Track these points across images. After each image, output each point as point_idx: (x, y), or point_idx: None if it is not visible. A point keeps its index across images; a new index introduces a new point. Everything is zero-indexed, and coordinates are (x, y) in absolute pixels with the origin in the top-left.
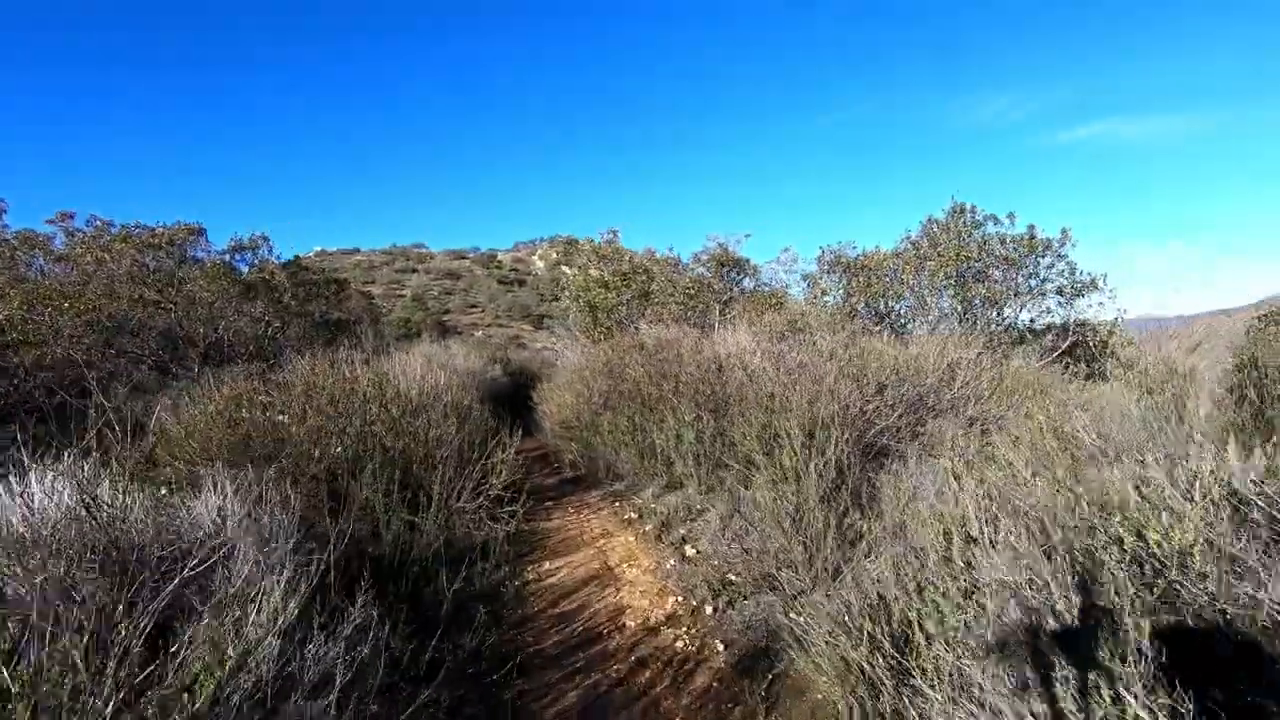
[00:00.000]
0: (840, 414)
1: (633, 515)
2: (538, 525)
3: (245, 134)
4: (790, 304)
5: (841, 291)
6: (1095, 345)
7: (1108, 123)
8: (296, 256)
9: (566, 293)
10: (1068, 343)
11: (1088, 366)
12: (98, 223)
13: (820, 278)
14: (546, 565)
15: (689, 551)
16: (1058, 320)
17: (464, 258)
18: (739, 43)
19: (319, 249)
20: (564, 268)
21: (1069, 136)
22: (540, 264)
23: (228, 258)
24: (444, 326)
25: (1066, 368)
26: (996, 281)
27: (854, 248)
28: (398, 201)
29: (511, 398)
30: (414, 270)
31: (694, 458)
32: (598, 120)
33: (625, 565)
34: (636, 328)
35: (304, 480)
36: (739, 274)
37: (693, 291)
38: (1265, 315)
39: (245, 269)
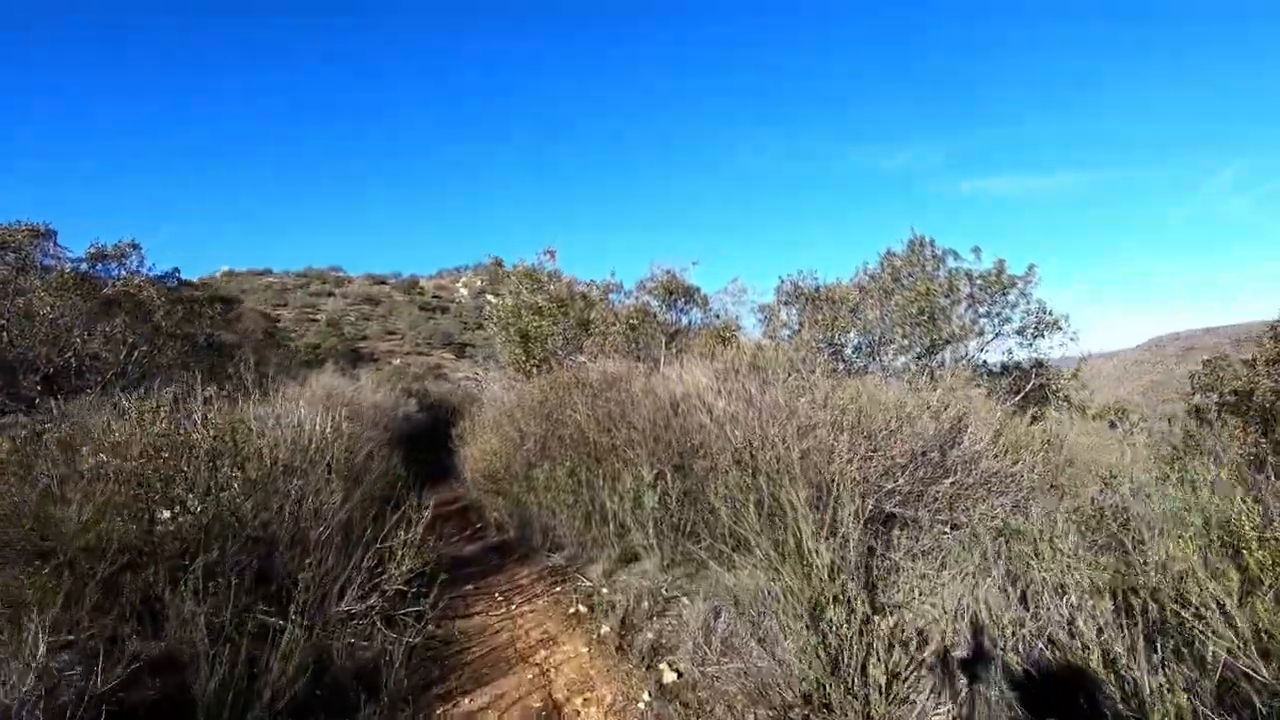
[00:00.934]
0: (849, 475)
1: (581, 607)
2: (454, 625)
3: (144, 139)
4: (742, 338)
5: (796, 325)
6: (1055, 387)
7: (1006, 178)
8: (175, 269)
9: (494, 319)
10: (1030, 385)
11: (1039, 409)
12: None
13: (779, 310)
14: (464, 704)
15: (667, 676)
16: (1017, 360)
17: (384, 283)
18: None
19: (225, 269)
20: (489, 296)
21: (971, 186)
22: (464, 291)
23: (85, 267)
24: (359, 354)
25: (1025, 410)
26: (961, 318)
27: (814, 278)
28: (313, 223)
29: (429, 436)
30: (330, 294)
31: (655, 524)
32: (526, 147)
33: (578, 699)
34: (574, 360)
35: (93, 586)
36: (688, 304)
37: (636, 321)
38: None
39: (111, 281)
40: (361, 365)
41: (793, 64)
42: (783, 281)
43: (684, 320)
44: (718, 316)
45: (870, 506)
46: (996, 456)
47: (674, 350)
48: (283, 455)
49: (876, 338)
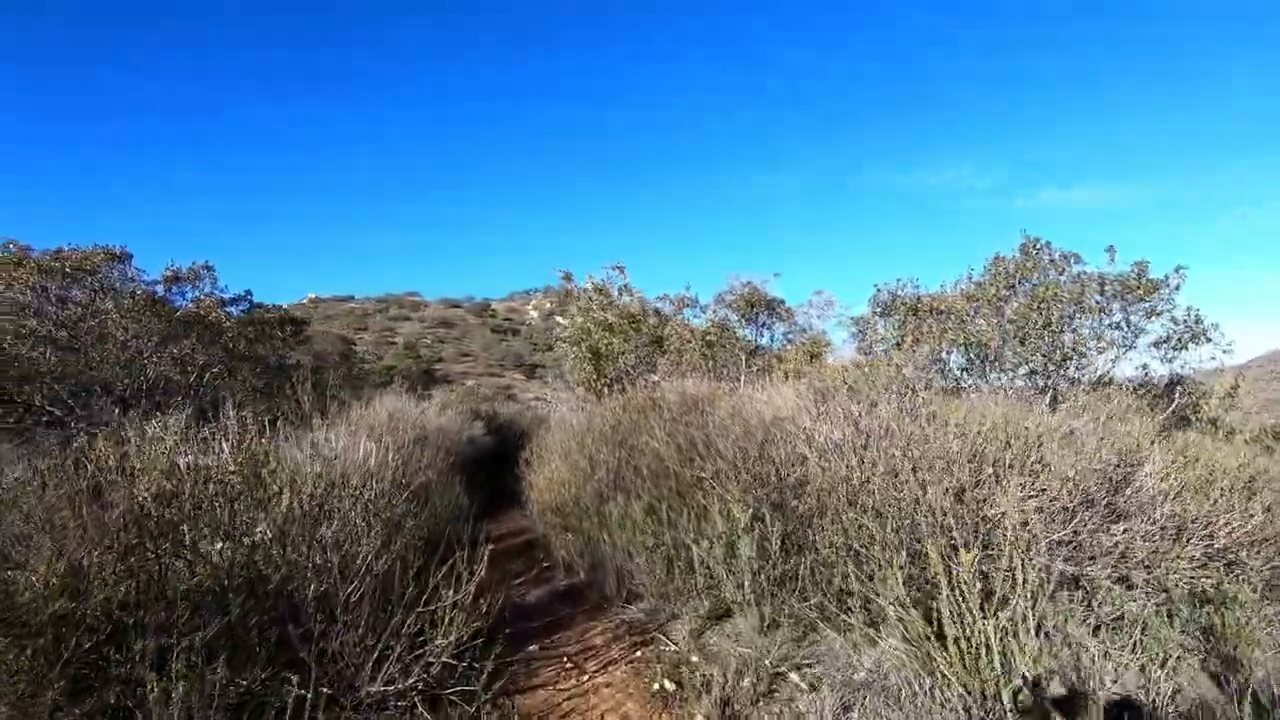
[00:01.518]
0: (1018, 524)
1: (667, 682)
2: (513, 705)
3: (239, 179)
4: (830, 354)
5: (895, 338)
6: (1201, 407)
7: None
8: (247, 292)
9: (564, 336)
10: (1176, 404)
11: (1180, 432)
12: (12, 247)
13: (874, 322)
14: None
15: None
16: (1157, 374)
17: (458, 306)
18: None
19: (312, 295)
20: (558, 318)
21: (1028, 203)
22: (534, 313)
23: (161, 289)
24: (432, 375)
25: (1168, 435)
26: (1094, 329)
27: (915, 285)
28: (393, 250)
29: (496, 460)
30: (407, 318)
31: (752, 575)
32: (590, 172)
33: None
34: (647, 379)
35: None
36: (771, 317)
37: (714, 337)
38: None
39: (185, 304)
40: (436, 386)
41: (827, 79)
42: (879, 290)
43: (764, 336)
44: (803, 331)
45: (1039, 565)
46: (1178, 496)
47: (755, 368)
48: (312, 493)
49: (988, 352)
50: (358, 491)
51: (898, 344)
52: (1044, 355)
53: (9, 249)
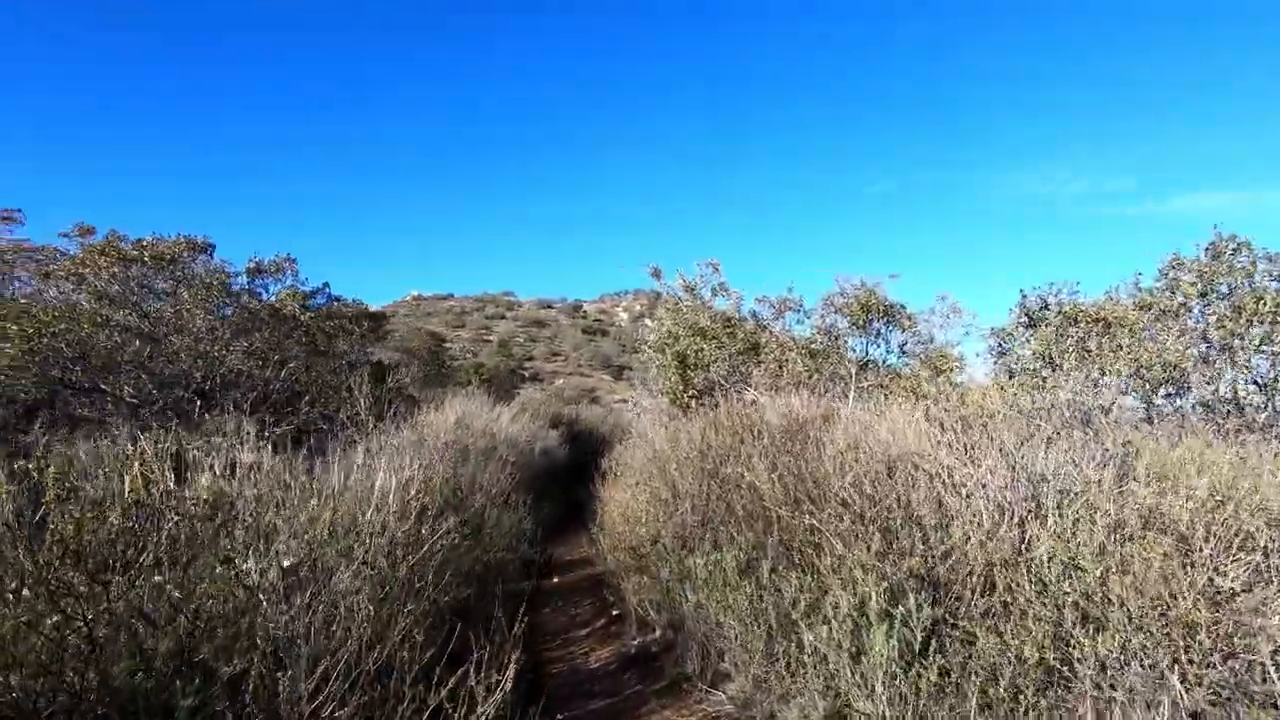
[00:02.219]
0: None
1: None
2: None
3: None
4: (958, 372)
5: (1048, 353)
6: None
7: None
8: (325, 284)
9: (649, 339)
10: None
11: None
12: (83, 235)
13: (1018, 334)
14: None
15: None
16: None
17: (551, 307)
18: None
19: (415, 294)
20: (647, 320)
21: (1159, 208)
22: (624, 315)
23: (245, 281)
24: (520, 374)
25: None
26: None
27: (1073, 291)
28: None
29: (572, 472)
30: (502, 317)
31: (886, 678)
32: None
33: None
34: (740, 392)
35: None
36: (889, 325)
37: (820, 346)
38: None
39: (268, 296)
40: (526, 384)
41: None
42: (1025, 297)
43: (877, 347)
44: (927, 342)
45: None
46: None
47: (866, 385)
48: (291, 548)
49: (1175, 374)
50: (368, 541)
51: (1048, 361)
52: (1259, 381)
53: (86, 237)
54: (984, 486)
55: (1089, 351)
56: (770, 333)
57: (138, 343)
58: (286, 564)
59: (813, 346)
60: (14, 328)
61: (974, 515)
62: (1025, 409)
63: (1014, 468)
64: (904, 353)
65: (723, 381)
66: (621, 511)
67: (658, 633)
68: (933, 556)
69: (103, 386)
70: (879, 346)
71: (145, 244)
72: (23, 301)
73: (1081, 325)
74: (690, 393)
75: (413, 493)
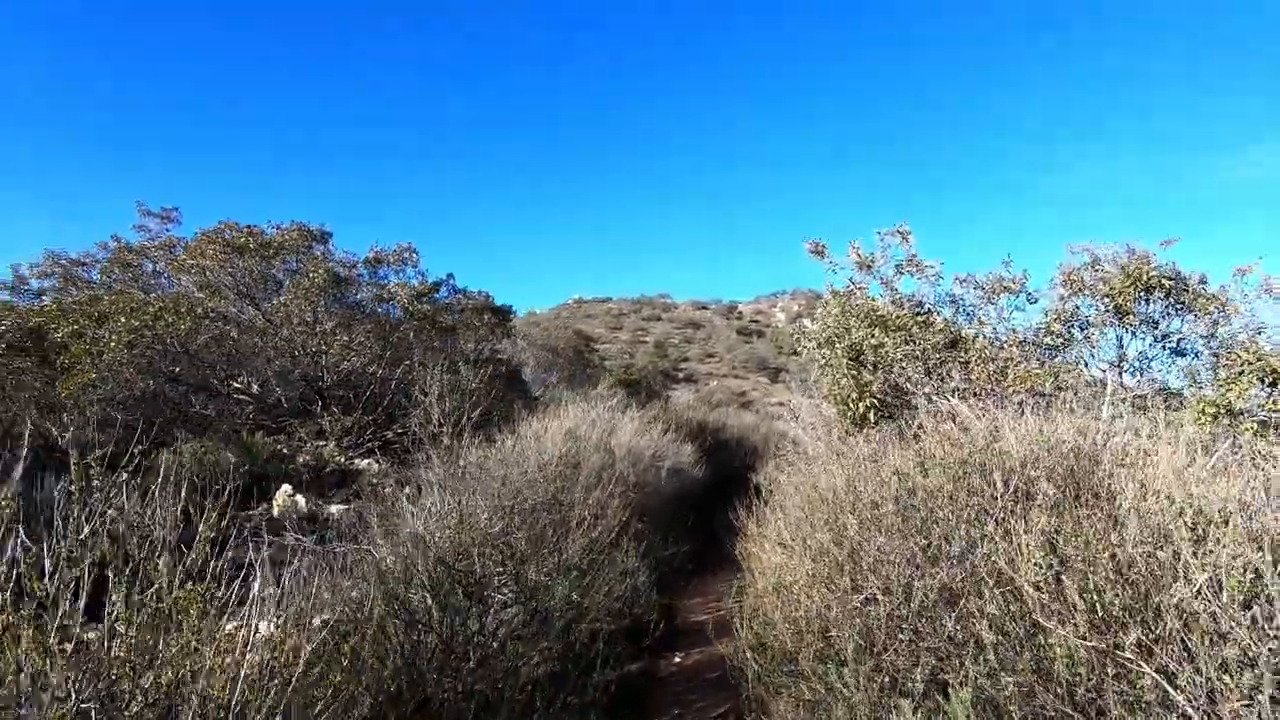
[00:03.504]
0: None
1: None
2: None
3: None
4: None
5: None
6: None
7: None
8: (449, 275)
9: (813, 330)
10: None
11: None
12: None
13: None
14: None
15: None
16: None
17: (706, 308)
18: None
19: (576, 297)
20: (806, 322)
21: None
22: (781, 316)
23: (366, 271)
24: (672, 375)
25: None
26: None
27: None
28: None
29: (712, 491)
30: (658, 319)
31: None
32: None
33: None
34: (932, 402)
35: None
36: (1177, 306)
37: (1058, 338)
38: None
39: (371, 285)
40: (679, 386)
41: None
42: None
43: (1141, 338)
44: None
45: None
46: None
47: (1125, 395)
48: None
49: None
50: None
51: None
52: None
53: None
54: None
55: None
56: (978, 322)
57: (246, 338)
58: None
59: (1049, 336)
60: (123, 321)
61: None
62: None
63: None
64: (1180, 351)
65: (913, 389)
66: (772, 578)
67: None
68: None
69: (214, 383)
70: (1141, 337)
71: (254, 231)
72: (137, 295)
73: None
74: (867, 401)
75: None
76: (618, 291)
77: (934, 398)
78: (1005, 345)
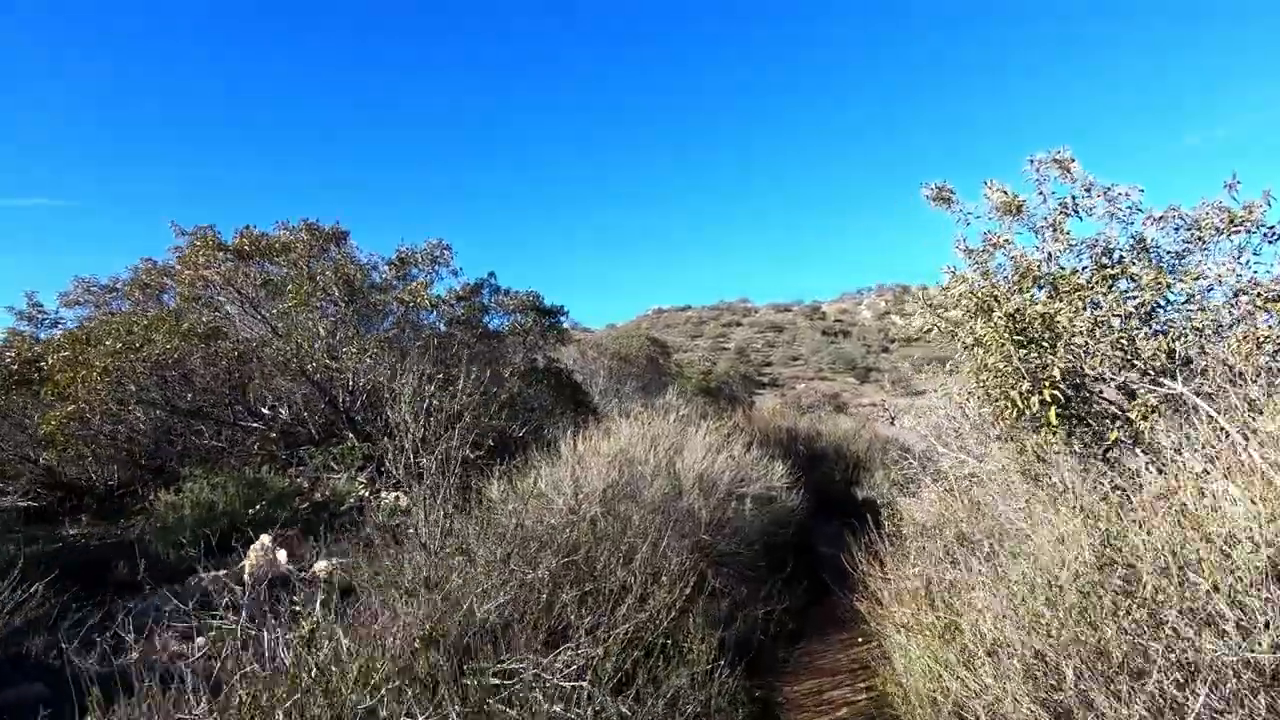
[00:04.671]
0: None
1: None
2: None
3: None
4: None
5: None
6: None
7: None
8: (491, 274)
9: (950, 294)
10: None
11: None
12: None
13: None
14: None
15: None
16: None
17: (787, 310)
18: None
19: (655, 307)
20: (894, 317)
21: None
22: (867, 313)
23: (392, 272)
24: (756, 380)
25: None
26: None
27: None
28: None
29: (818, 516)
30: (738, 324)
31: None
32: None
33: None
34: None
35: None
36: None
37: None
38: None
39: (394, 286)
40: (764, 391)
41: None
42: None
43: None
44: None
45: None
46: None
47: None
48: None
49: None
50: None
51: None
52: None
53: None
54: None
55: None
56: (1188, 277)
57: (251, 355)
58: None
59: None
60: (107, 345)
61: None
62: None
63: None
64: None
65: (1106, 373)
66: (929, 686)
67: None
68: None
69: (217, 410)
70: None
71: (253, 235)
72: (130, 317)
73: None
74: (1046, 393)
75: None
76: (696, 300)
77: (1138, 390)
78: (1266, 302)
